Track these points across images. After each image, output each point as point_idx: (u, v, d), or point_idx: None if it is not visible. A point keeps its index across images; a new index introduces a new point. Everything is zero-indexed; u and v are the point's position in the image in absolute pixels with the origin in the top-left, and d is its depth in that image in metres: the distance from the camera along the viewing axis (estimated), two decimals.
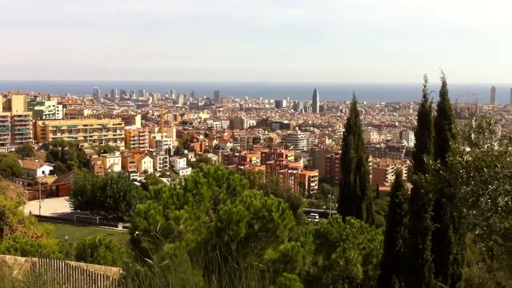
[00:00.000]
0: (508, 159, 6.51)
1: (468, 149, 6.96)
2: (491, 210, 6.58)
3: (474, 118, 7.18)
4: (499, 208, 6.52)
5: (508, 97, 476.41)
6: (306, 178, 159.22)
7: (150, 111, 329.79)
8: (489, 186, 6.59)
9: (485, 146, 6.75)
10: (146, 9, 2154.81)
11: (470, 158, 6.71)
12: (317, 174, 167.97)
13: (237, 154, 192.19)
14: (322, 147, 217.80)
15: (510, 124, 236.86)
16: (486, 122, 6.85)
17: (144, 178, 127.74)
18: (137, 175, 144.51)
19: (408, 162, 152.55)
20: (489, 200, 6.59)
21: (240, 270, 6.32)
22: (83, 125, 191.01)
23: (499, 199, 6.54)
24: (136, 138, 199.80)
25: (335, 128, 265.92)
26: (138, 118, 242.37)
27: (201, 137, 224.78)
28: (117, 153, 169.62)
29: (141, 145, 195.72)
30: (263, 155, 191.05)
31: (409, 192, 17.32)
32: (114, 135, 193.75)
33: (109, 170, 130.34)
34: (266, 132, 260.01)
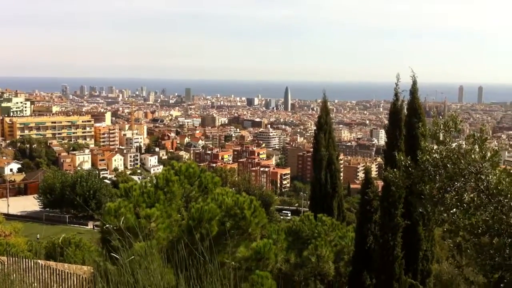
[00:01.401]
0: (473, 156, 6.65)
1: (436, 147, 7.09)
2: (456, 206, 6.72)
3: (441, 117, 7.32)
4: (464, 205, 6.66)
5: (475, 96, 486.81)
6: (278, 176, 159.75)
7: (120, 108, 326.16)
8: (455, 183, 6.72)
9: (453, 145, 6.89)
10: (119, 6, 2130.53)
11: (437, 156, 6.83)
12: (289, 172, 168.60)
13: (209, 152, 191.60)
14: (294, 145, 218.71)
15: (478, 123, 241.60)
16: (453, 121, 6.98)
17: (115, 176, 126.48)
18: (107, 173, 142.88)
19: (379, 160, 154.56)
20: (455, 197, 6.72)
21: (212, 268, 6.29)
22: (52, 122, 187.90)
23: (465, 195, 6.68)
24: (106, 135, 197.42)
25: (307, 126, 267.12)
26: (108, 115, 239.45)
27: (173, 134, 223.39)
28: (87, 151, 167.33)
29: (111, 143, 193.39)
30: (235, 153, 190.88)
31: (380, 190, 17.52)
32: (83, 132, 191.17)
33: (78, 168, 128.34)
34: (238, 130, 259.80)
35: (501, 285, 6.29)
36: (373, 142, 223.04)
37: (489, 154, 6.69)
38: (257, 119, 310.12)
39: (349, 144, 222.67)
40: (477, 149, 6.69)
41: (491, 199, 6.49)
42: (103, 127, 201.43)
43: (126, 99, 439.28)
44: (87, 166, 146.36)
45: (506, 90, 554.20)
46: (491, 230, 6.41)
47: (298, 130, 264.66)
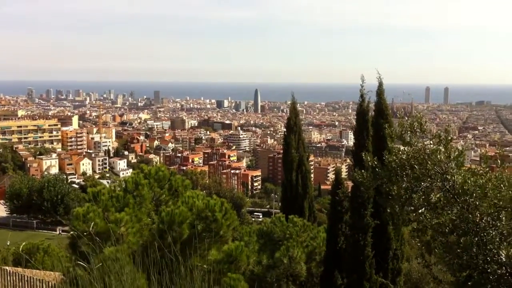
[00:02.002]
0: (438, 157, 6.76)
1: (403, 148, 7.19)
2: (424, 206, 6.83)
3: (407, 117, 7.42)
4: (431, 204, 6.77)
5: (442, 96, 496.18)
6: (249, 178, 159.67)
7: (88, 112, 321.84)
8: (422, 183, 6.82)
9: (419, 145, 6.99)
10: (83, 8, 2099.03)
11: (403, 157, 6.93)
12: (260, 173, 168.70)
13: (179, 154, 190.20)
14: (264, 147, 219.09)
15: (444, 123, 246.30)
16: (418, 122, 7.09)
17: (83, 181, 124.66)
18: (75, 178, 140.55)
19: (348, 160, 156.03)
20: (422, 197, 6.83)
21: (184, 271, 6.26)
22: (17, 126, 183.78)
23: (431, 195, 6.79)
24: (73, 139, 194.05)
25: (277, 128, 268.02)
26: (75, 119, 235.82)
27: (142, 137, 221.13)
28: (54, 155, 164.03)
29: (79, 147, 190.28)
30: (206, 155, 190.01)
31: (350, 190, 17.67)
32: (50, 136, 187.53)
33: (46, 173, 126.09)
34: (208, 132, 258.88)
35: (469, 283, 6.41)
36: (343, 143, 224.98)
37: (454, 154, 6.82)
38: (227, 121, 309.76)
39: (319, 145, 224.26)
40: (443, 150, 6.81)
41: (457, 199, 6.61)
42: (71, 131, 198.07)
43: (94, 102, 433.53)
44: (54, 170, 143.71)
45: (471, 91, 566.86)
46: (458, 229, 6.53)
47: (268, 132, 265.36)
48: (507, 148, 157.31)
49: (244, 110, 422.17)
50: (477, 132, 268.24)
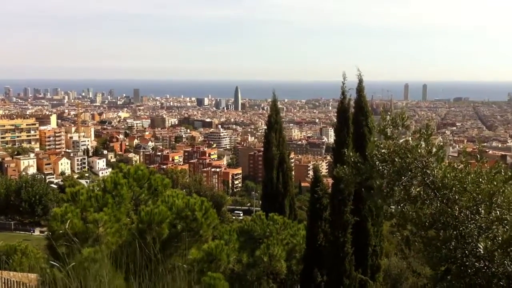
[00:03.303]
0: (419, 151, 6.81)
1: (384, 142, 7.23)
2: (404, 200, 6.88)
3: (389, 113, 7.47)
4: (411, 198, 6.82)
5: (420, 93, 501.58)
6: (230, 176, 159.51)
7: (66, 111, 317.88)
8: (403, 177, 6.87)
9: (400, 141, 7.04)
10: (62, 6, 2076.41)
11: (385, 151, 6.96)
12: (240, 171, 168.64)
13: (159, 153, 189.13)
14: (245, 144, 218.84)
15: (423, 119, 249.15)
16: (400, 118, 7.14)
17: (62, 180, 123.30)
18: (54, 178, 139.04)
19: (329, 158, 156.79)
20: (402, 191, 6.88)
21: (164, 271, 6.19)
22: None
23: (412, 189, 6.84)
24: (51, 138, 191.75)
25: (258, 126, 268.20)
26: (53, 118, 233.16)
27: (121, 136, 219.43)
28: (32, 155, 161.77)
29: (57, 146, 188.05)
30: (186, 154, 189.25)
31: (330, 187, 17.73)
32: (28, 136, 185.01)
33: (23, 173, 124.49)
34: (188, 130, 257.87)
35: (448, 277, 6.46)
36: (323, 140, 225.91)
37: (434, 150, 6.88)
38: (208, 120, 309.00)
39: (299, 142, 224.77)
40: (423, 144, 6.87)
41: (437, 193, 6.66)
42: (49, 130, 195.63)
43: (72, 101, 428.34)
44: (32, 170, 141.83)
45: (449, 88, 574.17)
46: (437, 223, 6.58)
47: (249, 130, 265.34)
48: (485, 143, 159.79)
49: (225, 108, 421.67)
50: (455, 128, 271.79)
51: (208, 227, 10.80)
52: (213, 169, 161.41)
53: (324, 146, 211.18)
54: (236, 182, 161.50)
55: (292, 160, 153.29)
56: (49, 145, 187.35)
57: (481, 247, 5.96)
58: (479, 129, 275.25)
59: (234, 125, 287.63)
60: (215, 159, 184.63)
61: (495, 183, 6.47)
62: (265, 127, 25.11)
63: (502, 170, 6.79)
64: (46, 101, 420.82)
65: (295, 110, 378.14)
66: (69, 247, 8.28)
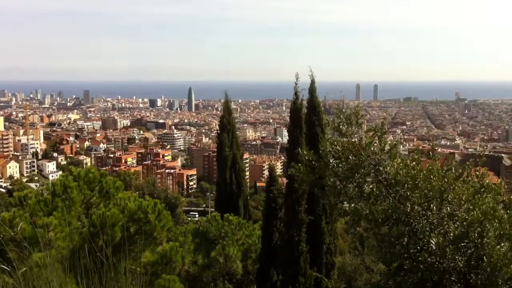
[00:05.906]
0: (372, 149, 6.90)
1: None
2: (358, 197, 6.95)
3: (343, 110, 7.54)
4: (365, 195, 6.90)
5: (371, 93, 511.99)
6: (184, 177, 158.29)
7: (14, 113, 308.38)
8: (356, 175, 6.94)
9: (354, 138, 7.12)
10: (4, 5, 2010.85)
11: (339, 148, 7.02)
12: (195, 173, 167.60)
13: (111, 155, 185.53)
14: (199, 145, 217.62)
15: (375, 119, 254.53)
16: (355, 115, 7.21)
17: (10, 184, 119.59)
18: (2, 181, 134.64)
19: (283, 157, 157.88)
20: (356, 188, 6.95)
21: (116, 275, 6.05)
22: None
23: (365, 186, 6.92)
24: None
25: (212, 126, 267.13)
26: (0, 120, 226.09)
27: (72, 138, 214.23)
28: None
29: (5, 149, 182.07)
30: (139, 155, 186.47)
31: (284, 187, 17.79)
32: None
33: None
34: (141, 132, 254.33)
35: (401, 273, 6.55)
36: (277, 140, 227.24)
37: (387, 147, 6.98)
38: (161, 121, 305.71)
39: (254, 143, 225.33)
40: (377, 142, 6.96)
41: (390, 190, 6.75)
42: None
43: (20, 103, 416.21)
44: None
45: (399, 88, 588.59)
46: (390, 220, 6.68)
47: (203, 131, 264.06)
48: (435, 141, 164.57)
49: (178, 109, 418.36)
50: (405, 127, 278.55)
51: (162, 229, 10.67)
52: (167, 171, 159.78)
53: (278, 146, 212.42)
54: (191, 183, 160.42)
55: (247, 160, 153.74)
56: None
57: (433, 242, 6.08)
58: (428, 127, 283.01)
59: (188, 126, 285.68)
60: (169, 160, 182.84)
61: (446, 180, 6.62)
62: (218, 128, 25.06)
63: (453, 168, 6.96)
64: None
65: (249, 111, 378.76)
66: (19, 253, 8.04)
